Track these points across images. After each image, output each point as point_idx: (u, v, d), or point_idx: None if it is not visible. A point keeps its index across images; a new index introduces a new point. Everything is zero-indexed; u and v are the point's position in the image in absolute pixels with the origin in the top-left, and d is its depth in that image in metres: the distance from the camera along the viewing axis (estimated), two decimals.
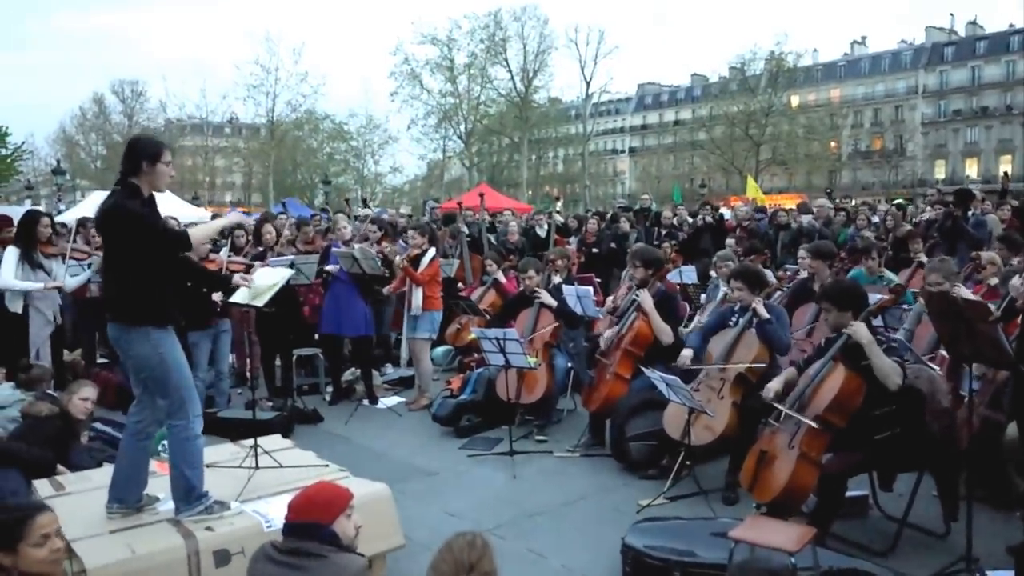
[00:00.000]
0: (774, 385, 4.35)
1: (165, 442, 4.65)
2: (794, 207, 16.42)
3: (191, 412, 3.61)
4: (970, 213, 9.62)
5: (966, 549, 3.69)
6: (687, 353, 5.23)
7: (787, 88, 44.87)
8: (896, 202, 19.17)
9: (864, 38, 58.23)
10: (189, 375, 3.67)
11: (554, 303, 6.54)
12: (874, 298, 6.15)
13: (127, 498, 3.67)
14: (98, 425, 5.71)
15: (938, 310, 3.64)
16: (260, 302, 4.01)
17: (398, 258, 7.03)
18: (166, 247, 3.55)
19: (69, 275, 6.82)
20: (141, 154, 3.58)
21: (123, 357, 3.70)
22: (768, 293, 5.35)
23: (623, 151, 67.16)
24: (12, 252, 6.47)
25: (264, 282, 4.01)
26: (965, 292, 5.15)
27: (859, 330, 4.04)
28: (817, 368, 4.15)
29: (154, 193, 3.66)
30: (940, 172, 52.72)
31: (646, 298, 5.81)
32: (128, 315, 3.54)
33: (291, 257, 6.76)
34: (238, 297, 4.03)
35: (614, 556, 3.96)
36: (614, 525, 4.47)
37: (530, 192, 47.84)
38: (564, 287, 7.02)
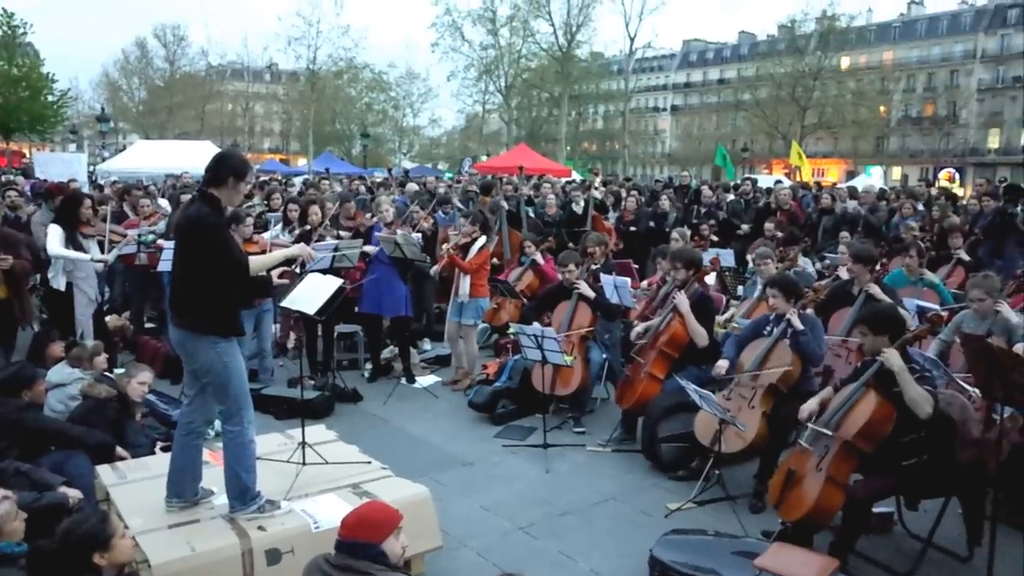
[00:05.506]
0: (809, 406, 4.42)
1: (211, 430, 4.92)
2: (840, 185, 16.06)
3: (245, 419, 3.80)
4: (1020, 208, 9.43)
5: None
6: (723, 363, 5.31)
7: (838, 50, 43.45)
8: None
9: None
10: (247, 383, 3.86)
11: (592, 295, 6.63)
12: (911, 304, 6.25)
13: (184, 493, 3.91)
14: (149, 397, 5.98)
15: (973, 352, 3.68)
16: (312, 309, 4.16)
17: (445, 245, 7.17)
18: (224, 267, 3.66)
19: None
20: (229, 169, 3.71)
21: (187, 361, 3.88)
22: (804, 304, 5.38)
23: (665, 109, 66.03)
24: (57, 228, 6.74)
25: (309, 290, 4.16)
26: (1008, 311, 5.14)
27: (892, 358, 4.08)
28: (849, 392, 4.21)
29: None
30: (994, 141, 51.08)
31: (683, 301, 5.88)
32: (197, 324, 3.70)
33: (335, 242, 6.92)
34: (290, 303, 4.19)
35: (641, 564, 4.13)
36: (643, 529, 4.66)
37: (568, 148, 47.43)
38: (602, 276, 7.10)
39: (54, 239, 6.68)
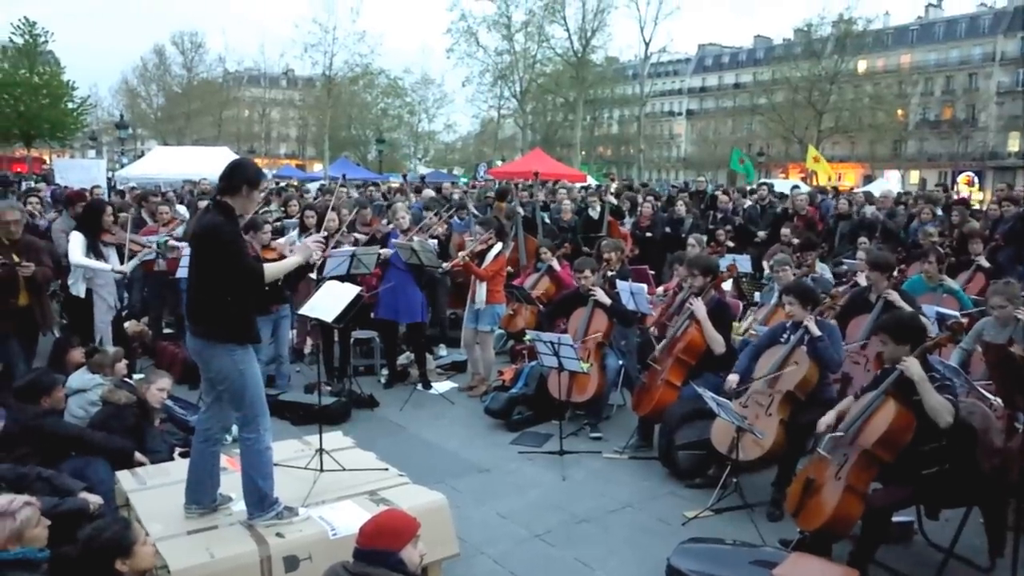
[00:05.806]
0: (827, 419, 4.38)
1: (228, 436, 4.95)
2: (856, 189, 15.90)
3: (262, 426, 3.82)
4: None
5: None
6: (733, 378, 5.27)
7: (854, 53, 43.19)
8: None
9: (940, 0, 55.57)
10: (263, 391, 3.87)
11: (608, 301, 6.62)
12: (931, 311, 6.19)
13: (203, 500, 3.93)
14: (168, 403, 6.03)
15: (994, 361, 3.64)
16: (330, 317, 4.19)
17: (461, 253, 7.20)
18: (238, 275, 3.68)
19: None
20: (243, 178, 3.74)
21: (203, 368, 3.90)
22: (821, 311, 5.34)
23: (680, 114, 65.86)
24: (79, 236, 6.82)
25: (327, 298, 4.18)
26: None
27: (912, 367, 4.04)
28: (869, 401, 4.17)
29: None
30: (1014, 144, 50.53)
31: (699, 307, 5.86)
32: (213, 332, 3.72)
33: (352, 249, 6.95)
34: (308, 310, 4.21)
35: (658, 573, 4.12)
36: (659, 537, 4.64)
37: (583, 153, 47.42)
38: (618, 283, 7.08)
39: (76, 247, 6.76)
